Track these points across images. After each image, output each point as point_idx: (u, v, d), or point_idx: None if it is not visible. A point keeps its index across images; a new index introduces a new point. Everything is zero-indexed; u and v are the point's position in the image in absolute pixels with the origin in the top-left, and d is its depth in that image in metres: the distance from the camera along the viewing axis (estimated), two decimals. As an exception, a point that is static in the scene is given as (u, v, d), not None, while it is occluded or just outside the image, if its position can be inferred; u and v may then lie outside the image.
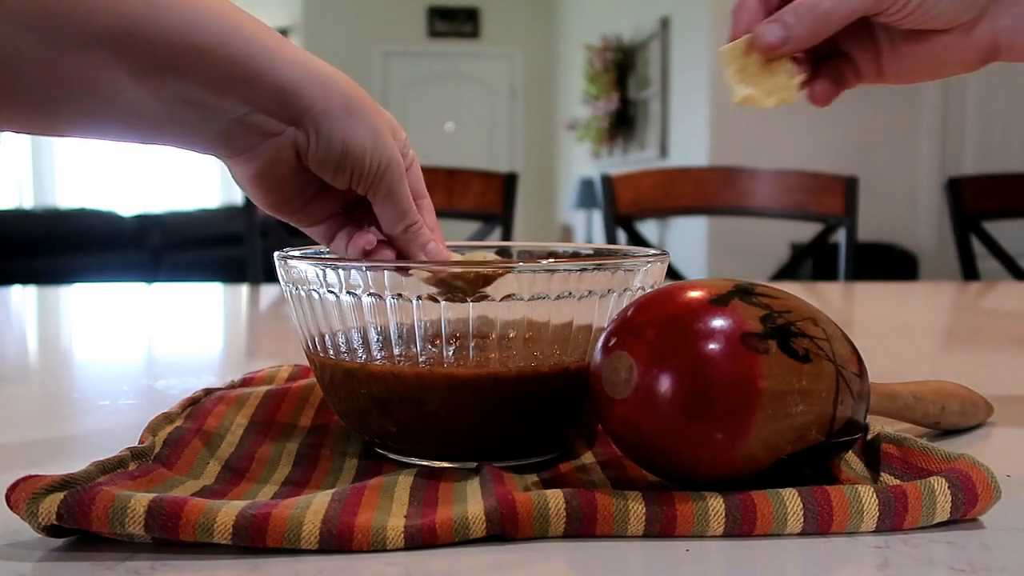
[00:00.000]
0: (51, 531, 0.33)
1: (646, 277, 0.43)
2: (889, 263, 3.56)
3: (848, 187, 1.51)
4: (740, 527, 0.35)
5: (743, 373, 0.34)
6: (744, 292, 0.37)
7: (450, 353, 0.41)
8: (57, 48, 0.36)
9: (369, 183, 0.43)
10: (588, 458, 0.44)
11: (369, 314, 0.42)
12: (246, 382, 0.57)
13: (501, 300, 0.41)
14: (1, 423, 0.55)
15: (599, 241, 4.78)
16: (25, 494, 0.33)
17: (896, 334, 0.95)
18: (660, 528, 0.35)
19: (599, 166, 5.37)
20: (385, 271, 0.41)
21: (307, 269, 0.42)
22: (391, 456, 0.44)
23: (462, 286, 0.42)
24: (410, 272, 0.41)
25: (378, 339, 0.42)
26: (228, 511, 0.33)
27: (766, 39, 0.45)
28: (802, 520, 0.35)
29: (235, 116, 0.40)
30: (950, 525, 0.36)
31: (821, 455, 0.37)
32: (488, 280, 0.42)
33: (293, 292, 0.44)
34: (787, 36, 0.45)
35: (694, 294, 0.37)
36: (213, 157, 0.43)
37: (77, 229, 4.81)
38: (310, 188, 0.45)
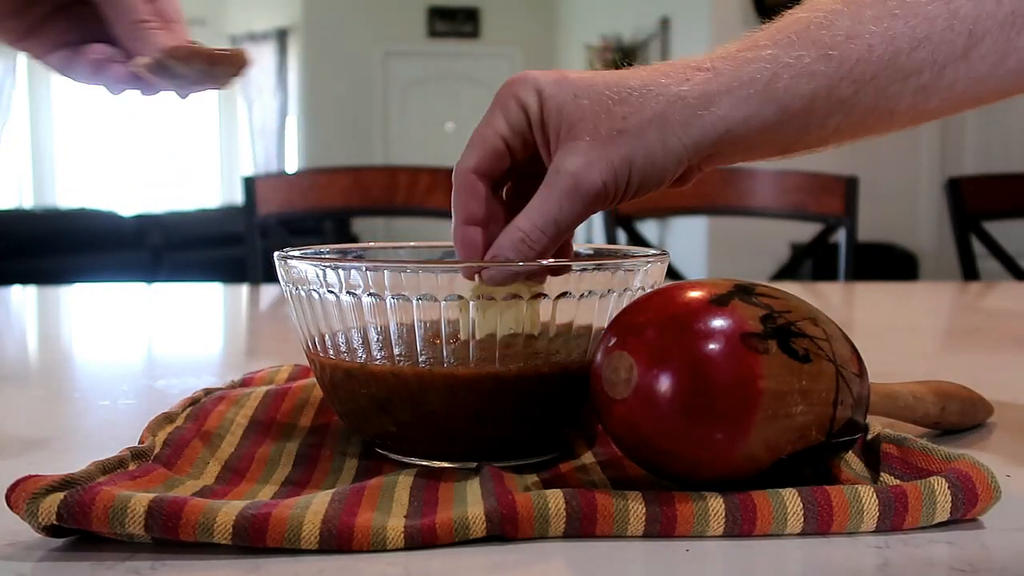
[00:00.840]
0: (51, 531, 0.33)
1: (646, 277, 0.43)
2: (889, 263, 3.57)
3: (848, 187, 1.51)
4: (740, 527, 0.35)
5: (743, 373, 0.34)
6: (744, 292, 0.37)
7: (450, 353, 0.41)
8: None
9: None
10: (588, 458, 0.44)
11: (369, 314, 0.42)
12: (246, 382, 0.57)
13: (501, 300, 0.41)
14: (1, 423, 0.55)
15: (599, 241, 4.77)
16: (25, 494, 0.33)
17: (896, 334, 0.95)
18: (660, 528, 0.35)
19: (599, 166, 5.37)
20: (385, 271, 0.41)
21: (307, 269, 0.42)
22: (391, 456, 0.44)
23: (179, 68, 0.41)
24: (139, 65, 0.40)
25: (378, 339, 0.42)
26: (228, 511, 0.33)
27: (495, 281, 0.41)
28: (802, 520, 0.35)
29: None
30: (950, 525, 0.36)
31: (821, 455, 0.37)
32: (213, 61, 0.41)
33: (293, 292, 0.44)
34: (513, 275, 0.41)
35: (694, 294, 0.37)
36: None
37: (77, 229, 4.82)
38: (35, 8, 0.43)
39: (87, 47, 0.44)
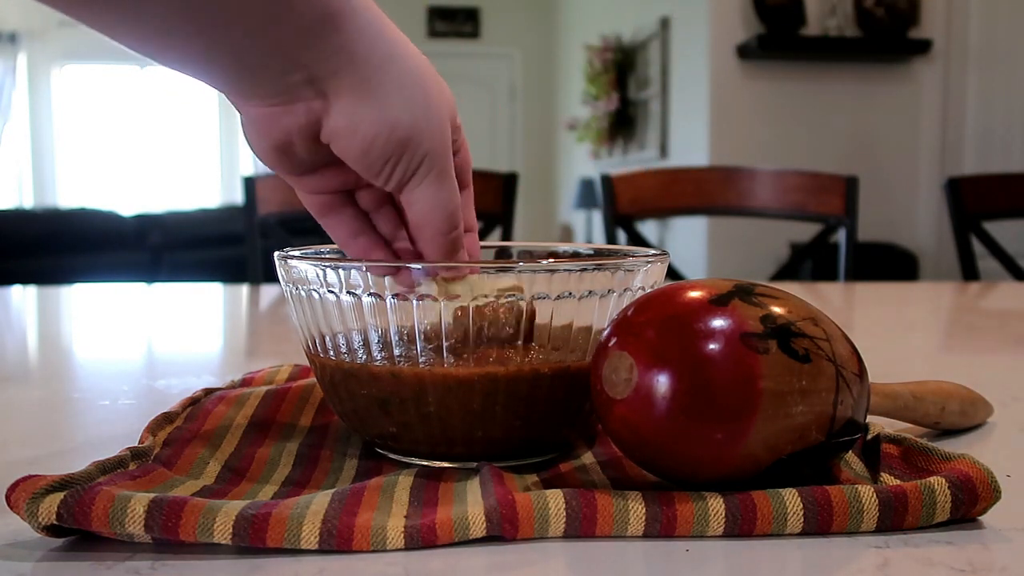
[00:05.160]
0: (51, 531, 0.33)
1: (646, 277, 0.43)
2: (889, 263, 3.56)
3: (848, 187, 1.51)
4: (740, 527, 0.35)
5: (743, 373, 0.34)
6: (744, 292, 0.37)
7: (450, 353, 0.41)
8: None
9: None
10: (588, 458, 0.44)
11: (369, 314, 0.42)
12: (246, 382, 0.57)
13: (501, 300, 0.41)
14: (1, 423, 0.55)
15: (599, 241, 4.77)
16: (25, 494, 0.33)
17: (896, 334, 0.95)
18: (660, 528, 0.35)
19: (599, 166, 5.37)
20: (385, 272, 0.41)
21: (307, 269, 0.42)
22: (391, 456, 0.44)
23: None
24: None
25: (378, 339, 0.42)
26: (228, 511, 0.33)
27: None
28: (802, 520, 0.35)
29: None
30: (950, 525, 0.36)
31: (821, 455, 0.37)
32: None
33: (293, 292, 0.44)
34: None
35: (694, 294, 0.37)
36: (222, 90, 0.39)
37: (77, 229, 4.81)
38: (319, 163, 0.42)
39: (348, 209, 0.44)
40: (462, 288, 0.42)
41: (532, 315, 0.43)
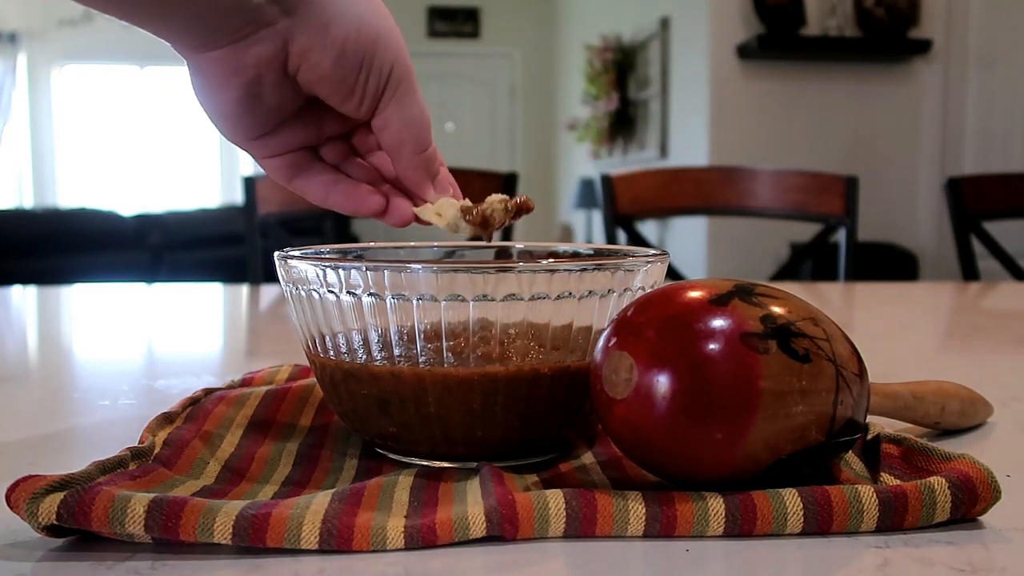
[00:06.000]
0: (51, 531, 0.33)
1: (646, 277, 0.43)
2: (889, 263, 3.56)
3: (848, 187, 1.51)
4: (740, 527, 0.35)
5: (743, 373, 0.34)
6: (744, 292, 0.37)
7: (450, 353, 0.41)
8: None
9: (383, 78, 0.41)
10: (588, 458, 0.44)
11: (369, 314, 0.42)
12: (246, 382, 0.57)
13: (501, 300, 0.41)
14: (1, 423, 0.55)
15: (599, 241, 4.77)
16: (25, 494, 0.33)
17: (896, 334, 0.95)
18: (660, 528, 0.35)
19: (599, 166, 5.37)
20: (385, 271, 0.41)
21: (307, 269, 0.42)
22: (391, 456, 0.44)
23: (494, 220, 0.45)
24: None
25: (378, 339, 0.42)
26: (228, 511, 0.33)
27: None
28: (802, 520, 0.35)
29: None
30: (950, 525, 0.36)
31: (821, 455, 0.37)
32: (518, 212, 0.45)
33: (293, 292, 0.44)
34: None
35: (694, 294, 0.37)
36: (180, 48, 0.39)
37: (77, 229, 4.82)
38: (286, 108, 0.42)
39: (316, 165, 0.44)
40: (447, 204, 0.45)
41: (529, 206, 0.46)
